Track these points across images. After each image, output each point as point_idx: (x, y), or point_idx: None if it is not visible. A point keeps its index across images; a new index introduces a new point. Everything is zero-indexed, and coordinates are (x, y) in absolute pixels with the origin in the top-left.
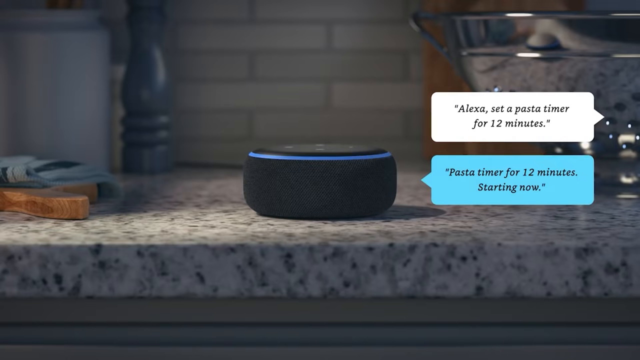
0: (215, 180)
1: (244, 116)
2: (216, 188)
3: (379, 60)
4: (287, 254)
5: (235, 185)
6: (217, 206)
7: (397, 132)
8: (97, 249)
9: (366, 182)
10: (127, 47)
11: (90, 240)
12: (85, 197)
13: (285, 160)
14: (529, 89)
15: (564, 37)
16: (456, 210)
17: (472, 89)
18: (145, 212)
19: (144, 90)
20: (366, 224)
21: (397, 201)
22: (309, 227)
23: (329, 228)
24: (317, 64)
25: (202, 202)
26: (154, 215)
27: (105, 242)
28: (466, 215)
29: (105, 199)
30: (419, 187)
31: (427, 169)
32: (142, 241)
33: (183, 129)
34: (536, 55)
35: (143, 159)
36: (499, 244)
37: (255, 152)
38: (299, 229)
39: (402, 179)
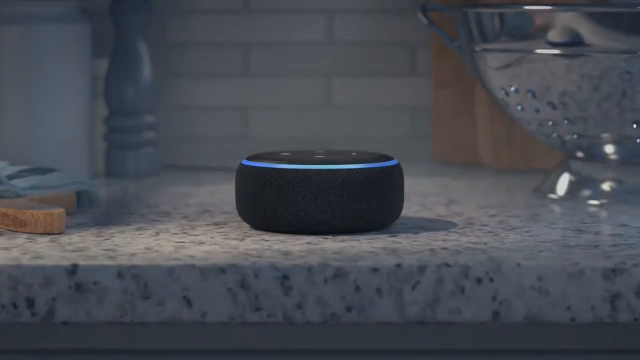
0: (205, 187)
1: (237, 115)
2: (207, 196)
3: (383, 54)
4: (284, 276)
5: (227, 192)
6: (207, 218)
7: (404, 132)
8: (73, 269)
9: (370, 193)
10: (111, 40)
11: (67, 259)
12: (62, 210)
13: (281, 169)
14: (548, 88)
15: (587, 32)
16: (469, 222)
17: (485, 87)
18: (128, 225)
19: (128, 88)
20: (371, 239)
21: (405, 211)
22: (308, 243)
23: (330, 245)
24: (316, 57)
25: (191, 213)
26: (138, 229)
27: (82, 262)
28: (480, 229)
29: (85, 209)
30: (427, 194)
31: (437, 172)
32: (124, 261)
33: (171, 128)
34: (556, 52)
35: (128, 162)
36: (519, 265)
37: (248, 159)
38: (296, 246)
39: (409, 184)
